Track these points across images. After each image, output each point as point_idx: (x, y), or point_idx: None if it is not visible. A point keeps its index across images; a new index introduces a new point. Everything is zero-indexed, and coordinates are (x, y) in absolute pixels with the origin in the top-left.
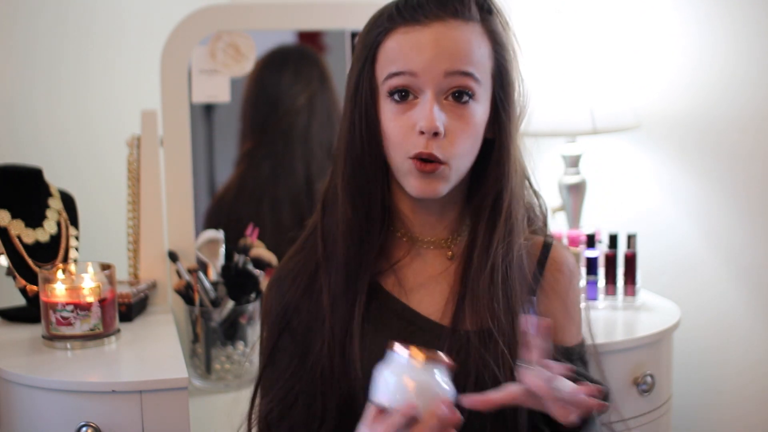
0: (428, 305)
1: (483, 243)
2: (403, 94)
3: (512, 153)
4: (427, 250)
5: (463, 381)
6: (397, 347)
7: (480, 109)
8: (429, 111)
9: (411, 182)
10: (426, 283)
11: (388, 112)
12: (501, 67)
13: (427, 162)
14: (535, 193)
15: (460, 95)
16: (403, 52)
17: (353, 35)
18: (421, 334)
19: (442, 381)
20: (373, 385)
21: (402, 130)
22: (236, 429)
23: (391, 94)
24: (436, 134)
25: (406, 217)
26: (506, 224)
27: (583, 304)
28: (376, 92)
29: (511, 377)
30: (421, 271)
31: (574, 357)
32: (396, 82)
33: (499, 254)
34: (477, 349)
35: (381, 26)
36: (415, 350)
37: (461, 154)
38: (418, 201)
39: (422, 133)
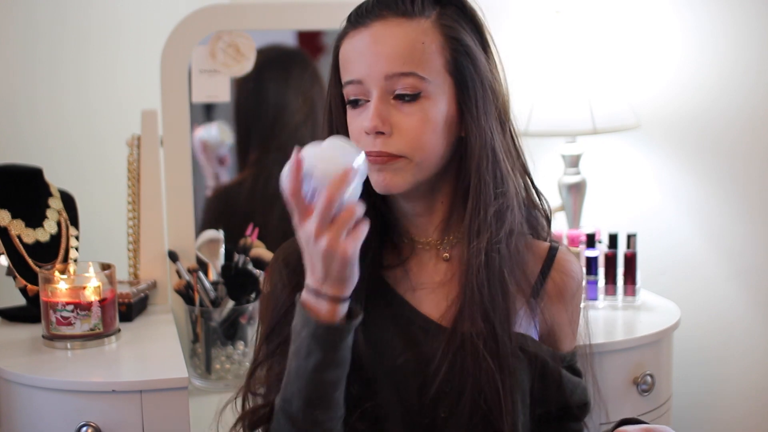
0: (430, 306)
1: (463, 242)
2: (357, 100)
3: (476, 150)
4: (427, 251)
5: (459, 381)
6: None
7: (436, 105)
8: (370, 112)
9: (372, 178)
10: (429, 284)
11: (349, 116)
12: (456, 62)
13: (378, 156)
14: (537, 191)
15: (403, 96)
16: (350, 58)
17: None
18: (420, 333)
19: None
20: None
21: (356, 132)
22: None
23: (348, 100)
24: (381, 133)
25: (402, 218)
26: (473, 222)
27: (583, 311)
28: (343, 97)
29: (509, 378)
30: (422, 271)
31: (564, 364)
32: (348, 90)
33: (473, 253)
34: (475, 349)
35: (340, 32)
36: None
37: (420, 148)
38: (402, 202)
39: (368, 133)
